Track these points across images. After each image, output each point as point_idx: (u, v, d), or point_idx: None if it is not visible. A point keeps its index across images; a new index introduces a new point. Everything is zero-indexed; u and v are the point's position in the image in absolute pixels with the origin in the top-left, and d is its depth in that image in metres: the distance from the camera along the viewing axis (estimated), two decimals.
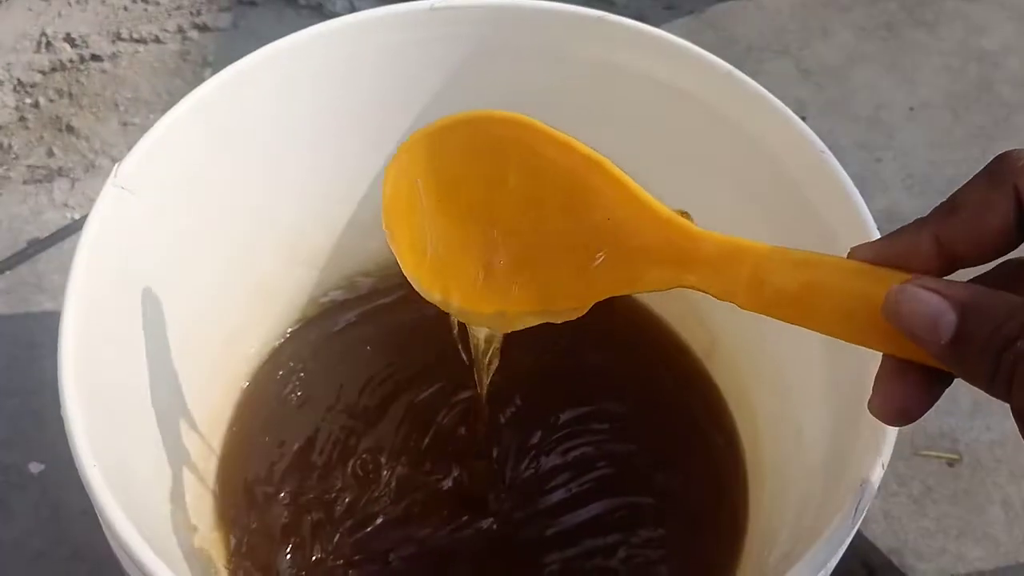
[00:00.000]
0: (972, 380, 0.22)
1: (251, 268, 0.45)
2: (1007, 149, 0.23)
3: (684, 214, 0.26)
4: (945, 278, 0.23)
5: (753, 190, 0.40)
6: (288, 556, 0.42)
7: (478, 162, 0.27)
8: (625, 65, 0.41)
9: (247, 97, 0.41)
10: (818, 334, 0.38)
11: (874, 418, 0.30)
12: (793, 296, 0.24)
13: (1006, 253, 0.23)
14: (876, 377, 0.24)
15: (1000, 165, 0.23)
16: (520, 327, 0.29)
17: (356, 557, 0.42)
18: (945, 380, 0.23)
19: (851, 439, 0.32)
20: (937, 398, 0.24)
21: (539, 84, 0.44)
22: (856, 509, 0.28)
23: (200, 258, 0.42)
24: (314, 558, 0.42)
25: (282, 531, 0.43)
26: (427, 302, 0.52)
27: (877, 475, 0.29)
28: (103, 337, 0.35)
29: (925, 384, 0.23)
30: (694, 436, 0.47)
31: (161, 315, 0.39)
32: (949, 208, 0.23)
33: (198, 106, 0.39)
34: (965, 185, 0.23)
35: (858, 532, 0.49)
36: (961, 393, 0.53)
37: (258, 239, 0.45)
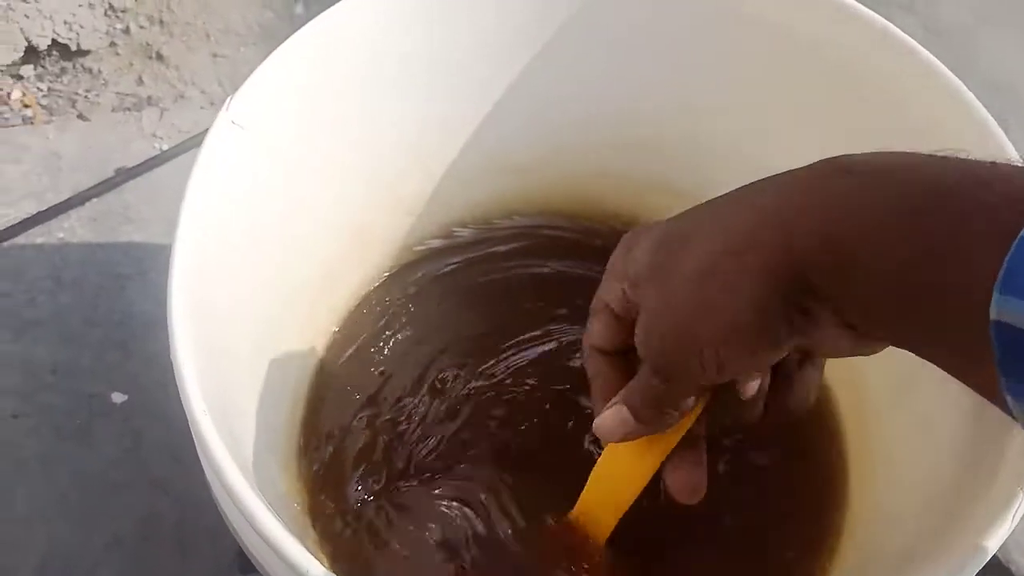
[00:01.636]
0: (663, 425, 0.30)
1: (353, 211, 0.44)
2: None
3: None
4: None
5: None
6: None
7: None
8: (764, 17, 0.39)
9: (351, 38, 0.39)
10: None
11: None
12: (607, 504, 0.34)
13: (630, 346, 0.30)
14: (664, 475, 0.32)
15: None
16: None
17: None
18: (695, 455, 0.32)
19: (998, 434, 0.29)
20: (703, 458, 0.32)
21: (660, 28, 0.42)
22: (1014, 516, 0.26)
23: (302, 198, 0.41)
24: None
25: (357, 456, 0.42)
26: (523, 257, 0.51)
27: None
28: (210, 272, 0.34)
29: (686, 458, 0.32)
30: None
31: (267, 254, 0.38)
32: (588, 324, 0.32)
33: (305, 46, 0.38)
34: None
35: None
36: None
37: (358, 181, 0.44)
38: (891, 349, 0.40)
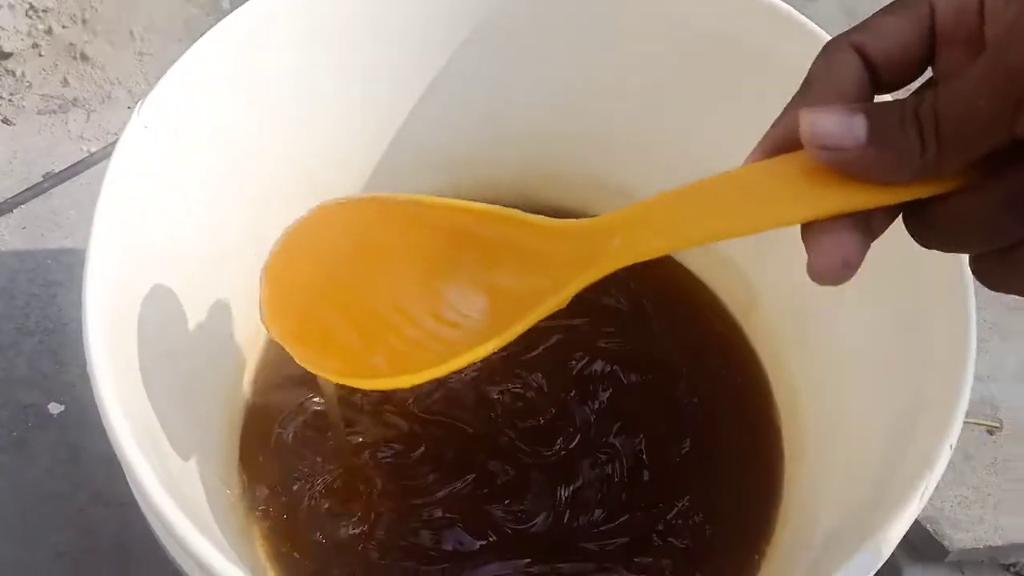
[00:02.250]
0: (895, 171, 0.22)
1: (276, 212, 0.43)
2: None
3: None
4: None
5: None
6: (312, 511, 0.41)
7: (370, 241, 0.29)
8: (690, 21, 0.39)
9: (271, 37, 0.39)
10: (884, 302, 0.36)
11: (940, 396, 0.28)
12: (698, 222, 0.24)
13: (920, 68, 0.23)
14: (806, 243, 0.23)
15: None
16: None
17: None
18: (872, 221, 0.23)
19: (914, 415, 0.30)
20: (873, 237, 0.23)
21: (589, 26, 0.42)
22: (922, 496, 0.26)
23: (224, 200, 0.40)
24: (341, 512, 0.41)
25: (301, 479, 0.42)
26: None
27: (944, 459, 0.27)
28: (128, 286, 0.33)
29: (856, 225, 0.23)
30: (728, 400, 0.45)
31: (187, 258, 0.37)
32: (871, 19, 0.23)
33: (221, 45, 0.37)
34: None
35: None
36: (1005, 360, 0.52)
37: (282, 182, 0.43)
38: (816, 332, 0.42)
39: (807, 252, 0.23)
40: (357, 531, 0.41)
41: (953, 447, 0.27)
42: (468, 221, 0.29)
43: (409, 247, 0.29)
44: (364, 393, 0.44)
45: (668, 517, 0.42)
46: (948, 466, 0.48)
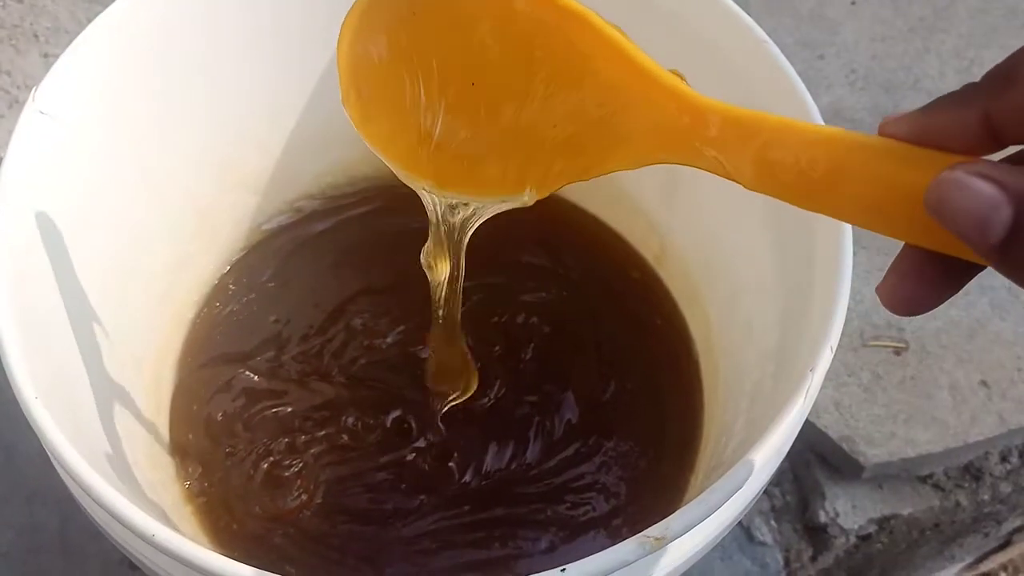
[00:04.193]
0: (1021, 283, 0.19)
1: (186, 193, 0.43)
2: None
3: (675, 74, 0.23)
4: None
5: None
6: (248, 484, 0.42)
7: (455, 20, 0.25)
8: None
9: (169, 13, 0.39)
10: (768, 229, 0.38)
11: (823, 307, 0.30)
12: (809, 177, 0.21)
13: None
14: (893, 263, 0.21)
15: None
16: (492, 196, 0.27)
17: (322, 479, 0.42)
18: (967, 275, 0.20)
19: (800, 328, 0.32)
20: (954, 293, 0.21)
21: None
22: (807, 394, 0.28)
23: (132, 184, 0.40)
24: (276, 479, 0.42)
25: (234, 455, 0.43)
26: (377, 221, 0.51)
27: (826, 360, 0.29)
28: (37, 270, 0.34)
29: (945, 279, 0.20)
30: (649, 342, 0.47)
31: (97, 244, 0.37)
32: (1004, 77, 0.19)
33: (117, 23, 0.37)
34: None
35: (811, 423, 0.51)
36: None
37: (190, 163, 0.43)
38: (721, 270, 0.44)
39: (887, 273, 0.21)
40: (295, 503, 0.42)
41: (834, 349, 0.29)
42: (555, 18, 0.24)
43: (478, 32, 0.25)
44: (288, 364, 0.45)
45: (598, 456, 0.43)
46: (860, 387, 0.51)
